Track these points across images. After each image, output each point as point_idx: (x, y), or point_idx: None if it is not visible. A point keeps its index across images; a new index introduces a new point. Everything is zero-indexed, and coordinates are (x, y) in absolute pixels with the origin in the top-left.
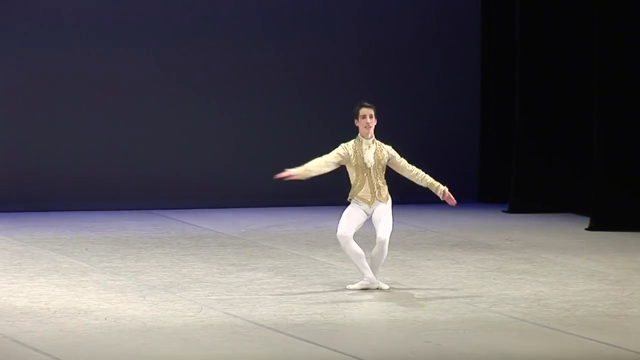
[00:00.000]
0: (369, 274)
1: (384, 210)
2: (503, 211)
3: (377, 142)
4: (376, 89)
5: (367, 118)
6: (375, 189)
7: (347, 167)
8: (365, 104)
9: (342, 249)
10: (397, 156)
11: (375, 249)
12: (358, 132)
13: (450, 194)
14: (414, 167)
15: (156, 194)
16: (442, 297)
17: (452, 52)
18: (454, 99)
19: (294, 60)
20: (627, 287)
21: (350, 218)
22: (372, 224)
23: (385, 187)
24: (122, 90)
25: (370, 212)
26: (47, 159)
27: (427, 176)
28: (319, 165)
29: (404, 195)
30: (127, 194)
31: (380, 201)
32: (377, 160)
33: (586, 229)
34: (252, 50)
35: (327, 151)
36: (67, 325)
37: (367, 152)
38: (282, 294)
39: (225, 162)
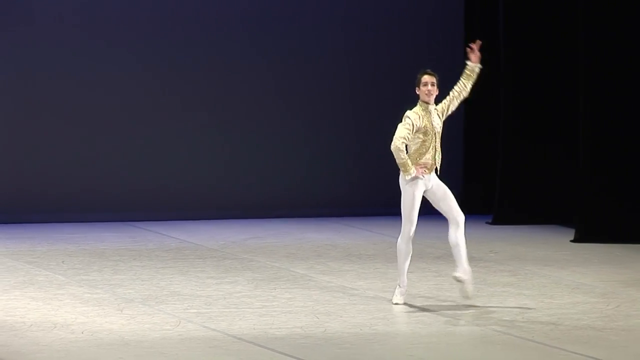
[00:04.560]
0: (465, 267)
1: (442, 186)
2: (487, 223)
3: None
4: (358, 100)
5: (429, 85)
6: (437, 154)
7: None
8: (428, 71)
9: (398, 246)
10: (445, 101)
11: (454, 232)
12: (419, 99)
13: (469, 51)
14: (455, 88)
15: (134, 205)
16: (425, 310)
17: (434, 62)
18: None
19: (276, 69)
20: (612, 300)
21: (416, 206)
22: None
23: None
24: (98, 102)
25: (430, 184)
26: (22, 171)
27: (461, 79)
28: (405, 144)
29: (386, 206)
30: (104, 205)
31: (436, 169)
32: (441, 123)
33: (571, 241)
34: (233, 60)
35: (309, 163)
36: (43, 339)
37: (434, 117)
38: (262, 307)
39: (204, 174)
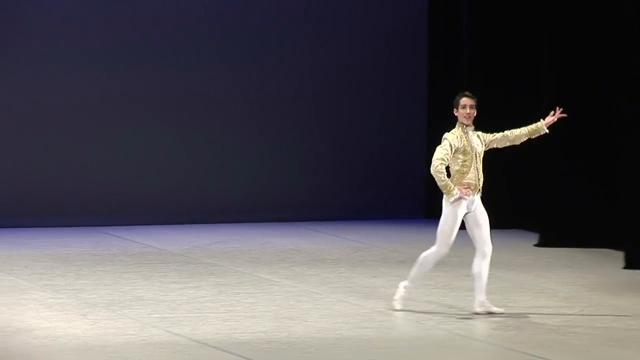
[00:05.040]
0: (482, 298)
1: (484, 214)
2: None
3: (477, 131)
4: (321, 104)
5: (467, 108)
6: (479, 175)
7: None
8: (467, 93)
9: (426, 258)
10: (493, 135)
11: (479, 262)
12: (457, 120)
13: (551, 114)
14: (512, 131)
15: (97, 210)
16: (389, 314)
17: (398, 66)
18: (399, 115)
19: (239, 74)
20: (575, 304)
21: (456, 228)
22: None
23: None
24: (61, 106)
25: (472, 207)
26: None
27: (523, 128)
28: (444, 165)
29: (348, 210)
30: (68, 210)
31: (479, 191)
32: (481, 146)
33: (535, 245)
34: (195, 65)
35: (272, 168)
36: (7, 344)
37: (473, 138)
38: (226, 312)
39: (167, 178)
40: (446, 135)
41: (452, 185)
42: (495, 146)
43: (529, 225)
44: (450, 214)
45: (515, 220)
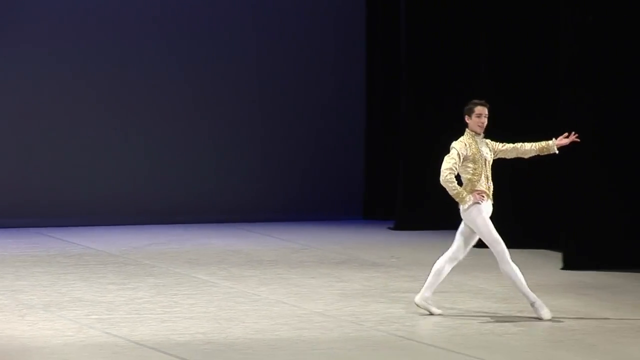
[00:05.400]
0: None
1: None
2: (389, 228)
3: (485, 139)
4: (262, 106)
5: (482, 117)
6: (489, 183)
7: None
8: (482, 102)
9: (503, 267)
10: (502, 144)
11: (445, 263)
12: (467, 127)
13: (563, 136)
14: (523, 145)
15: (35, 211)
16: (327, 316)
17: (337, 68)
18: (337, 115)
19: (182, 75)
20: (514, 305)
21: (492, 227)
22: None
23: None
24: (3, 107)
25: (488, 213)
26: None
27: (534, 143)
28: (453, 175)
29: (287, 212)
30: (4, 211)
31: (490, 197)
32: (490, 155)
33: (473, 246)
34: (138, 65)
35: (210, 169)
36: None
37: (482, 146)
38: (164, 313)
39: (105, 180)
40: (454, 144)
41: (465, 193)
42: (502, 156)
43: None
44: (479, 221)
45: (453, 222)
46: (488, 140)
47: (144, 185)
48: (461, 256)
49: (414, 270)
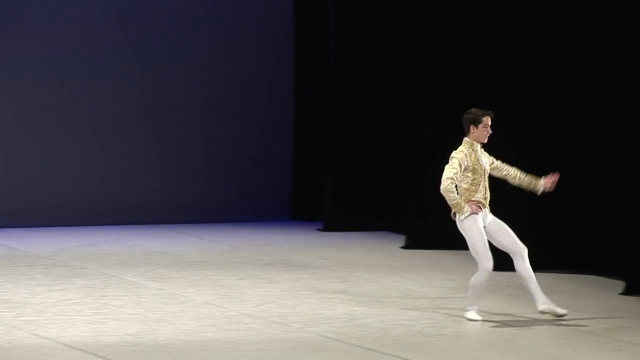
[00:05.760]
0: (542, 297)
1: (498, 221)
2: (317, 229)
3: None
4: (189, 107)
5: (489, 127)
6: (487, 193)
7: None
8: (489, 112)
9: (476, 280)
10: (497, 162)
11: (522, 265)
12: (467, 137)
13: (549, 179)
14: (509, 167)
15: None
16: (255, 317)
17: (266, 71)
18: (266, 118)
19: (118, 76)
20: (443, 306)
21: (486, 241)
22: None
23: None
24: None
25: (486, 221)
26: None
27: (525, 177)
28: (454, 184)
29: (216, 213)
30: None
31: (487, 207)
32: (488, 165)
33: (401, 247)
34: (72, 65)
35: (139, 170)
36: None
37: (480, 156)
38: (93, 315)
39: (34, 180)
40: (454, 154)
41: (463, 203)
42: (491, 173)
43: (396, 227)
44: (472, 228)
45: (382, 223)
46: (486, 154)
47: (73, 186)
48: (521, 250)
49: (342, 272)
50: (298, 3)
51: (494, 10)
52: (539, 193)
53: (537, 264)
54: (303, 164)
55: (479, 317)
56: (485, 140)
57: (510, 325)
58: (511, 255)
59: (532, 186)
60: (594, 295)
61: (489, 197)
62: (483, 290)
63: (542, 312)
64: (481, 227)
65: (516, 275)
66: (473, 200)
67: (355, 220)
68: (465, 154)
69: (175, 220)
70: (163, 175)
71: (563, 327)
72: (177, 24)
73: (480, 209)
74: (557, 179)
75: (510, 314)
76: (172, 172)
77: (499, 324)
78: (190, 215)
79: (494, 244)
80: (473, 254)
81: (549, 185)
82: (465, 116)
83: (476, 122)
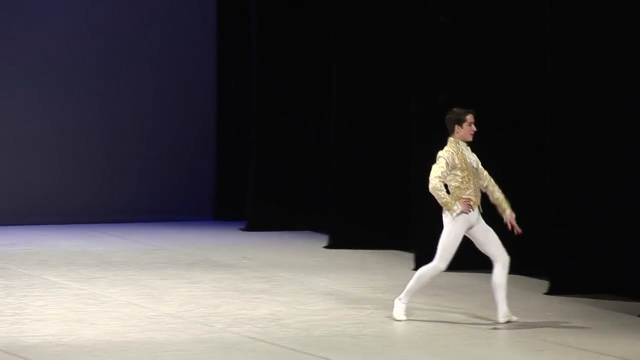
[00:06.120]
0: (505, 309)
1: (486, 226)
2: (240, 229)
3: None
4: (114, 107)
5: (473, 125)
6: (478, 190)
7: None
8: (470, 110)
9: (424, 272)
10: (481, 166)
11: (500, 272)
12: (452, 136)
13: (515, 222)
14: (493, 185)
15: None
16: (178, 317)
17: (187, 68)
18: (188, 116)
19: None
20: (366, 306)
21: (457, 245)
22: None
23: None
24: None
25: (475, 221)
26: None
27: (499, 192)
28: (443, 183)
29: (138, 213)
30: None
31: (479, 206)
32: (476, 164)
33: (325, 247)
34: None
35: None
36: None
37: (467, 153)
38: (14, 315)
39: None
40: (440, 153)
41: (453, 202)
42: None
43: (319, 227)
44: (453, 229)
45: (305, 223)
46: (469, 149)
47: None
48: (505, 258)
49: (265, 271)
50: None
51: (416, 10)
52: (505, 220)
53: (464, 265)
54: (226, 164)
55: (404, 317)
56: (471, 138)
57: (435, 326)
58: (493, 262)
59: (499, 210)
60: (519, 295)
61: (479, 196)
62: (424, 287)
63: (499, 323)
64: (463, 229)
65: (440, 275)
66: (464, 198)
67: (279, 220)
68: (452, 152)
69: (96, 220)
70: (84, 175)
71: (488, 327)
72: (97, 22)
73: (472, 207)
74: (516, 229)
75: (435, 314)
76: (93, 172)
77: (423, 323)
78: (112, 215)
79: (479, 248)
80: (439, 247)
81: (508, 225)
82: (448, 116)
83: (460, 122)
